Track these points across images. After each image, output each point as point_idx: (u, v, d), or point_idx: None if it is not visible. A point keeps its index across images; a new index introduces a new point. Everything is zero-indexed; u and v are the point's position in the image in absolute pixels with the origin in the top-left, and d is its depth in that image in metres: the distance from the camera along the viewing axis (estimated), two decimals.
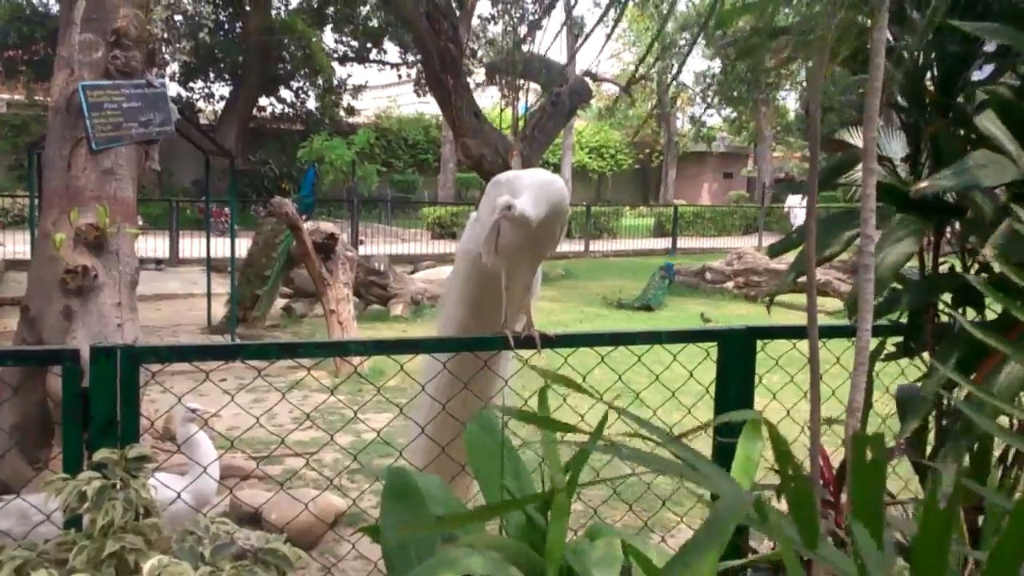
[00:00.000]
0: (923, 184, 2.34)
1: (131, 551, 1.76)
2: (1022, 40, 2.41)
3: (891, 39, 2.66)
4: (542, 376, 1.69)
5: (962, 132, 2.71)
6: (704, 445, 2.28)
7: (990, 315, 2.58)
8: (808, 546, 1.37)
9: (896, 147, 3.05)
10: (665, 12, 27.93)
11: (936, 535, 1.32)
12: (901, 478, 3.52)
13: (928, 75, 2.74)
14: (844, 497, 2.06)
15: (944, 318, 2.83)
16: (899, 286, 2.64)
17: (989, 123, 2.52)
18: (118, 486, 1.86)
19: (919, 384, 2.77)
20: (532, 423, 1.68)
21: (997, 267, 2.18)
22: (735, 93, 33.73)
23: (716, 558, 1.23)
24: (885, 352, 2.68)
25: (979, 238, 2.40)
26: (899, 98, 2.76)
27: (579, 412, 2.65)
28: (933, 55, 2.58)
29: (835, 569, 1.43)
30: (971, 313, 2.64)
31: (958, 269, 2.80)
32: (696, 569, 1.22)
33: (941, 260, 2.80)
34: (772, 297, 2.72)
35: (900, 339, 2.85)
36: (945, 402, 2.64)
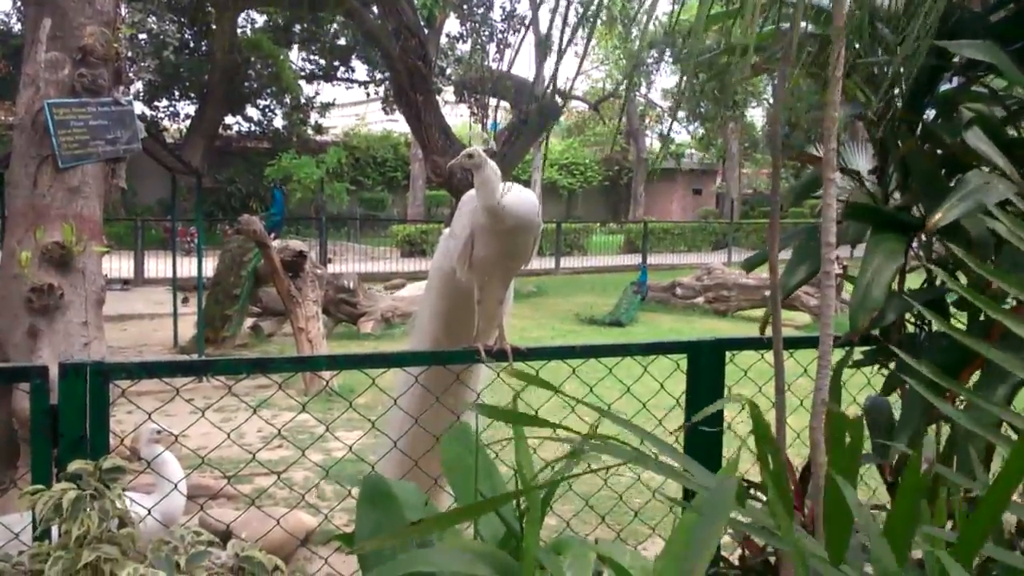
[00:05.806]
0: (937, 217, 2.38)
1: (107, 561, 1.74)
2: (1005, 60, 2.46)
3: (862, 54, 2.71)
4: (520, 379, 1.71)
5: (927, 146, 2.76)
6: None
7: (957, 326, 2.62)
8: (784, 512, 1.42)
9: (861, 161, 3.09)
10: (633, 31, 28.20)
11: (912, 491, 1.38)
12: (870, 487, 3.56)
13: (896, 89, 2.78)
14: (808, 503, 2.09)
15: (911, 328, 2.88)
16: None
17: (978, 141, 2.56)
18: (93, 496, 1.85)
19: (887, 397, 2.81)
20: (506, 420, 1.69)
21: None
22: (701, 109, 34.03)
23: (716, 544, 1.26)
24: (852, 360, 2.72)
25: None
26: (868, 113, 2.80)
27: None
28: (901, 70, 2.62)
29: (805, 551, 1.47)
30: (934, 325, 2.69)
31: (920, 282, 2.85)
32: (703, 557, 1.24)
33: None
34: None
35: (866, 348, 2.90)
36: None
